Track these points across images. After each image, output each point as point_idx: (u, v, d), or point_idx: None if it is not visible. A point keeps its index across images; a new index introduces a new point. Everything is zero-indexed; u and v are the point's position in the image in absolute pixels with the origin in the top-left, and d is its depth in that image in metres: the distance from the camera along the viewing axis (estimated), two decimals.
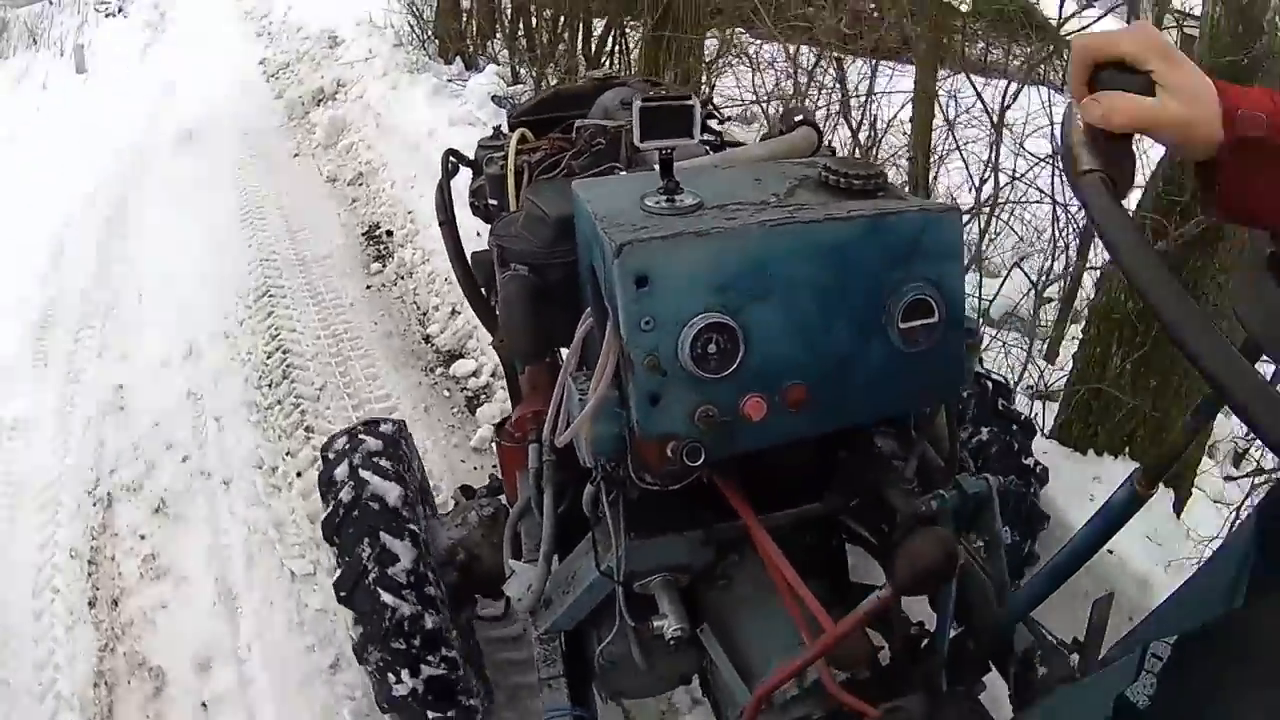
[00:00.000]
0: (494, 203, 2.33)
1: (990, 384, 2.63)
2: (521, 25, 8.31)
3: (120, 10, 17.32)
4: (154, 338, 4.58)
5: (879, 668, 1.91)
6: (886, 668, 1.94)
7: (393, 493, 2.25)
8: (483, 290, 2.34)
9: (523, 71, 7.92)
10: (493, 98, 6.90)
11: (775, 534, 1.87)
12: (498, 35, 8.74)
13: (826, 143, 2.23)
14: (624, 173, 2.07)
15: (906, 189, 4.05)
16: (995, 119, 3.81)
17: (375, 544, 2.19)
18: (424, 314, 4.89)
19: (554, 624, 1.97)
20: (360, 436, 2.40)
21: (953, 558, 1.45)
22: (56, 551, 3.29)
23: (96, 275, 5.28)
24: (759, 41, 5.95)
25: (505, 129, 2.47)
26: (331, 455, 2.39)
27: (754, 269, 1.50)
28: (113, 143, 7.54)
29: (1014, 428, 2.58)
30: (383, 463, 2.31)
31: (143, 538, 3.34)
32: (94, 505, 3.51)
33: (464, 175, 2.53)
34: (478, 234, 2.84)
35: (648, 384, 1.50)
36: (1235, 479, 3.78)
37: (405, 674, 2.18)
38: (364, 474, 2.28)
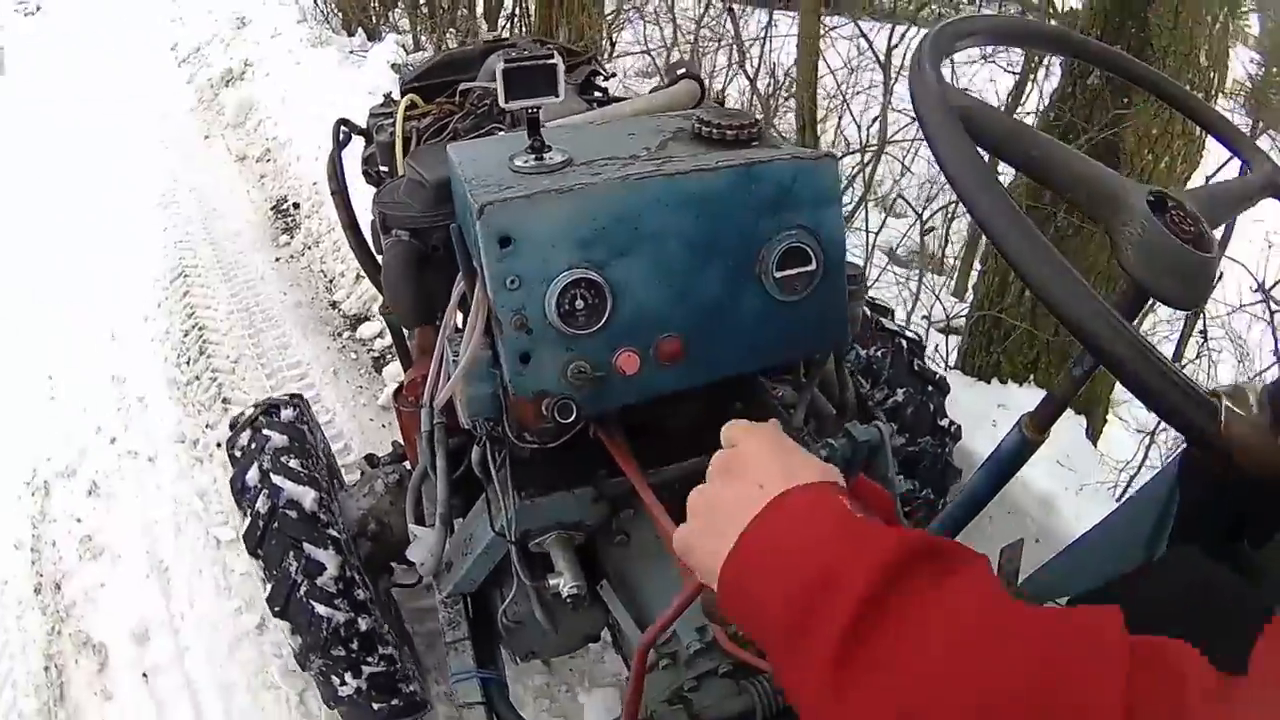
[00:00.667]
0: (384, 170, 2.32)
1: (904, 342, 2.62)
2: None
3: (38, 8, 17.05)
4: (77, 326, 4.63)
5: None
6: None
7: (308, 497, 2.22)
8: (377, 257, 2.33)
9: (423, 39, 8.03)
10: (392, 66, 6.98)
11: (667, 488, 1.87)
12: (398, 5, 8.89)
13: (716, 94, 2.21)
14: (504, 134, 2.06)
15: (791, 136, 4.09)
16: (882, 59, 3.85)
17: (300, 556, 2.17)
18: (330, 281, 5.03)
19: (455, 586, 1.97)
20: (264, 432, 2.34)
21: None
22: (2, 545, 3.37)
23: (13, 265, 5.31)
24: None
25: (397, 95, 2.45)
26: (239, 454, 2.35)
27: (618, 223, 1.49)
28: (32, 136, 7.51)
29: (929, 388, 2.58)
30: (292, 463, 2.27)
31: (79, 520, 3.42)
32: (32, 494, 3.59)
33: (359, 144, 2.50)
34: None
35: (517, 343, 1.50)
36: None
37: (348, 676, 2.20)
38: (276, 479, 2.24)
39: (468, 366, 1.59)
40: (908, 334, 2.68)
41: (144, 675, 2.82)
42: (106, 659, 2.89)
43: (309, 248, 5.34)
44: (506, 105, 1.57)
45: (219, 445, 3.55)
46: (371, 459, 2.54)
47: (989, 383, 3.42)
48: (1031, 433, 1.40)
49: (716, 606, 1.54)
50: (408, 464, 2.41)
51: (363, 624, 2.17)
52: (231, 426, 2.44)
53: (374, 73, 6.99)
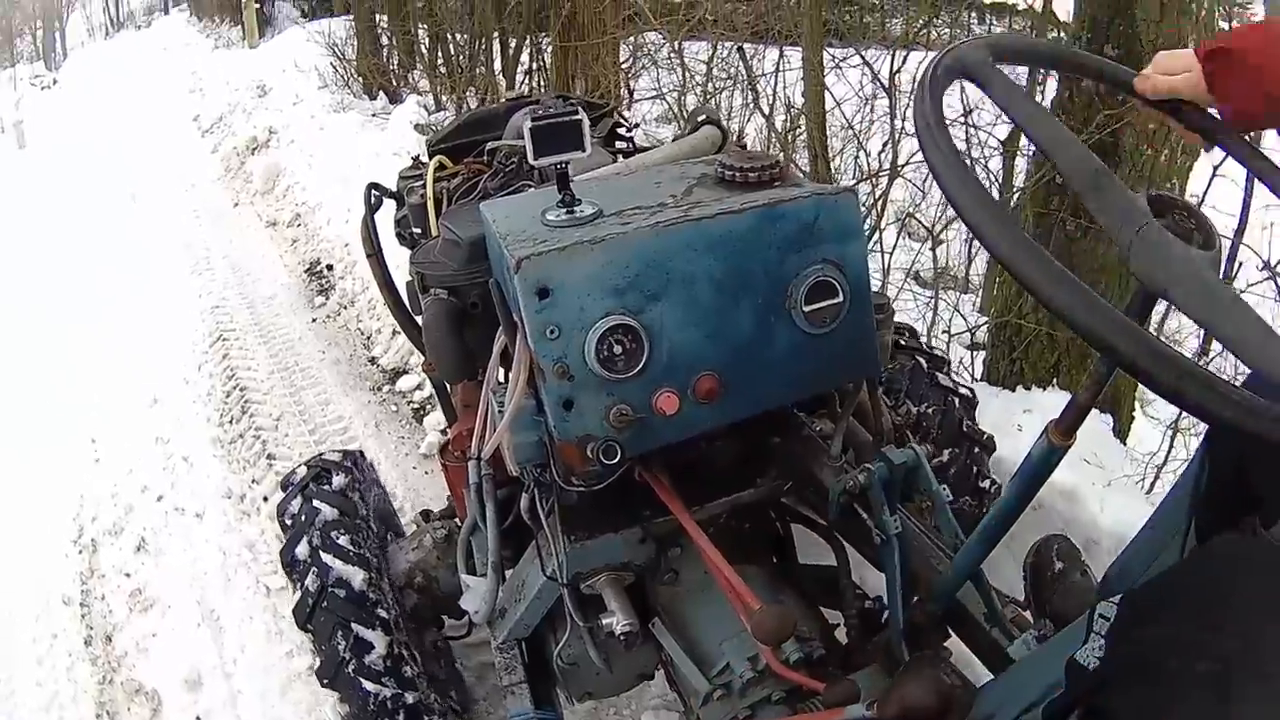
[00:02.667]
0: (417, 231, 2.38)
1: (923, 359, 2.64)
2: (439, 52, 8.58)
3: (55, 82, 17.61)
4: (118, 392, 4.75)
5: (836, 643, 1.96)
6: (846, 644, 1.98)
7: (357, 577, 2.24)
8: (415, 317, 2.38)
9: (444, 98, 8.18)
10: (415, 126, 7.16)
11: (713, 523, 1.92)
12: (417, 66, 9.11)
13: (735, 137, 2.27)
14: (534, 190, 2.12)
15: (807, 169, 4.16)
16: (886, 84, 3.90)
17: (348, 634, 2.19)
18: (368, 338, 5.10)
19: (510, 632, 2.01)
20: (315, 503, 2.35)
21: (946, 700, 1.43)
22: (50, 598, 3.44)
23: (56, 335, 5.48)
24: (664, 42, 6.26)
25: (424, 157, 2.52)
26: (289, 522, 2.37)
27: (650, 270, 1.55)
28: (62, 211, 7.77)
29: (955, 400, 2.60)
30: (342, 540, 2.28)
31: (128, 575, 3.48)
32: (79, 552, 3.66)
33: (390, 206, 2.57)
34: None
35: (559, 390, 1.55)
36: None
37: None
38: (326, 558, 2.25)
39: (514, 416, 1.64)
40: (927, 350, 2.69)
41: (198, 718, 2.88)
42: (160, 705, 2.95)
43: (344, 307, 5.45)
44: (536, 162, 1.64)
45: (265, 499, 3.65)
46: (426, 514, 2.58)
47: (1013, 390, 3.44)
48: (1058, 439, 1.42)
49: (770, 632, 1.59)
50: (457, 520, 2.44)
51: (409, 698, 2.19)
52: (283, 487, 2.48)
53: (397, 134, 7.11)
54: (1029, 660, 1.57)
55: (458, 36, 8.25)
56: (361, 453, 2.67)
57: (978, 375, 3.68)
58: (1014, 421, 3.09)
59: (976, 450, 2.54)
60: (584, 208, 1.66)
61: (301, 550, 2.29)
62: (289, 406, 4.48)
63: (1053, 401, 3.22)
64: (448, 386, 2.51)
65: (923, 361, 2.59)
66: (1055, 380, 3.43)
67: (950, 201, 1.10)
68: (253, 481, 3.91)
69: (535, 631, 2.05)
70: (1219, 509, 1.42)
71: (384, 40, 9.46)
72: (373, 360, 4.88)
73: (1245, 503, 1.37)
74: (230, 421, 4.40)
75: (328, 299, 5.61)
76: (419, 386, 4.40)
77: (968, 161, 3.96)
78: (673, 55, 5.96)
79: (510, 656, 2.07)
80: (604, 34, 6.49)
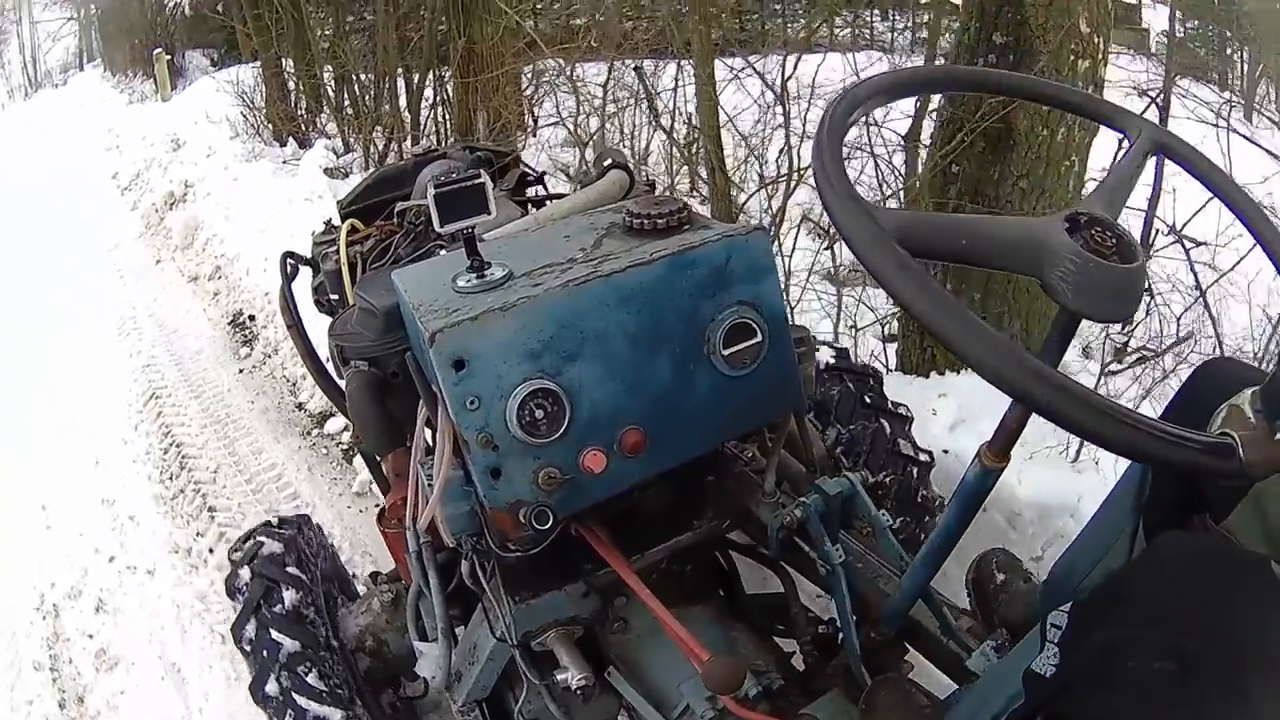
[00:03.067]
0: (334, 297, 2.36)
1: (852, 380, 2.61)
2: (345, 94, 8.65)
3: None
4: (61, 456, 4.79)
5: (794, 671, 1.96)
6: (804, 670, 1.99)
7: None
8: (339, 383, 2.36)
9: (352, 139, 8.34)
10: (324, 170, 7.37)
11: (655, 569, 1.92)
12: (324, 110, 9.19)
13: (644, 178, 2.27)
14: (444, 252, 2.10)
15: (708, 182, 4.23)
16: (777, 91, 3.95)
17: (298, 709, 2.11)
18: (293, 385, 5.18)
19: (469, 694, 1.99)
20: (273, 636, 2.19)
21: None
22: (22, 666, 3.47)
23: None
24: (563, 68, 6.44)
25: (335, 220, 2.50)
26: (248, 649, 2.24)
27: (565, 330, 1.55)
28: None
29: (882, 420, 2.56)
30: (310, 679, 2.14)
31: (90, 636, 3.53)
32: (43, 618, 3.70)
33: (307, 274, 2.54)
34: None
35: (485, 459, 1.55)
36: (1116, 373, 3.91)
37: None
38: (300, 701, 2.12)
39: (443, 489, 1.63)
40: (858, 368, 2.68)
41: None
42: None
43: (268, 356, 5.51)
44: (442, 230, 1.62)
45: (210, 551, 3.77)
46: (374, 576, 2.54)
47: (927, 376, 3.51)
48: (990, 461, 1.43)
49: (721, 683, 1.59)
50: (403, 584, 2.42)
51: None
52: (230, 593, 2.38)
53: (308, 179, 7.26)
54: (989, 674, 1.57)
55: (362, 77, 8.29)
56: (306, 518, 2.64)
57: (892, 366, 3.75)
58: (929, 406, 3.16)
59: (915, 470, 2.53)
60: (494, 270, 1.65)
61: (271, 689, 2.17)
62: (224, 458, 4.57)
63: (965, 384, 3.32)
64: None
65: (851, 385, 2.57)
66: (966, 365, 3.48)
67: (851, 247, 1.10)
68: (197, 534, 3.99)
69: (494, 690, 2.03)
70: (1166, 507, 1.43)
71: (291, 85, 9.52)
72: (300, 406, 4.93)
73: (1193, 501, 1.39)
74: (170, 478, 4.48)
75: (252, 349, 5.71)
76: (346, 428, 4.45)
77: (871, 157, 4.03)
78: (569, 80, 6.05)
79: (473, 719, 2.05)
80: (501, 65, 6.65)
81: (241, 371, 5.49)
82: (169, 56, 14.76)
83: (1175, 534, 1.26)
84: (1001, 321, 3.44)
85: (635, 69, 4.95)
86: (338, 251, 2.29)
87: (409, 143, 7.51)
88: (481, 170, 1.65)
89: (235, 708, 2.98)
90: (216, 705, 3.07)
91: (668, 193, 1.88)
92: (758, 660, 1.87)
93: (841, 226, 1.10)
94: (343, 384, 2.10)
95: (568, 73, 5.55)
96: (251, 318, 5.98)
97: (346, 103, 8.66)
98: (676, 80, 4.70)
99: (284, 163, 8.35)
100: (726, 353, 1.63)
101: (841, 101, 1.28)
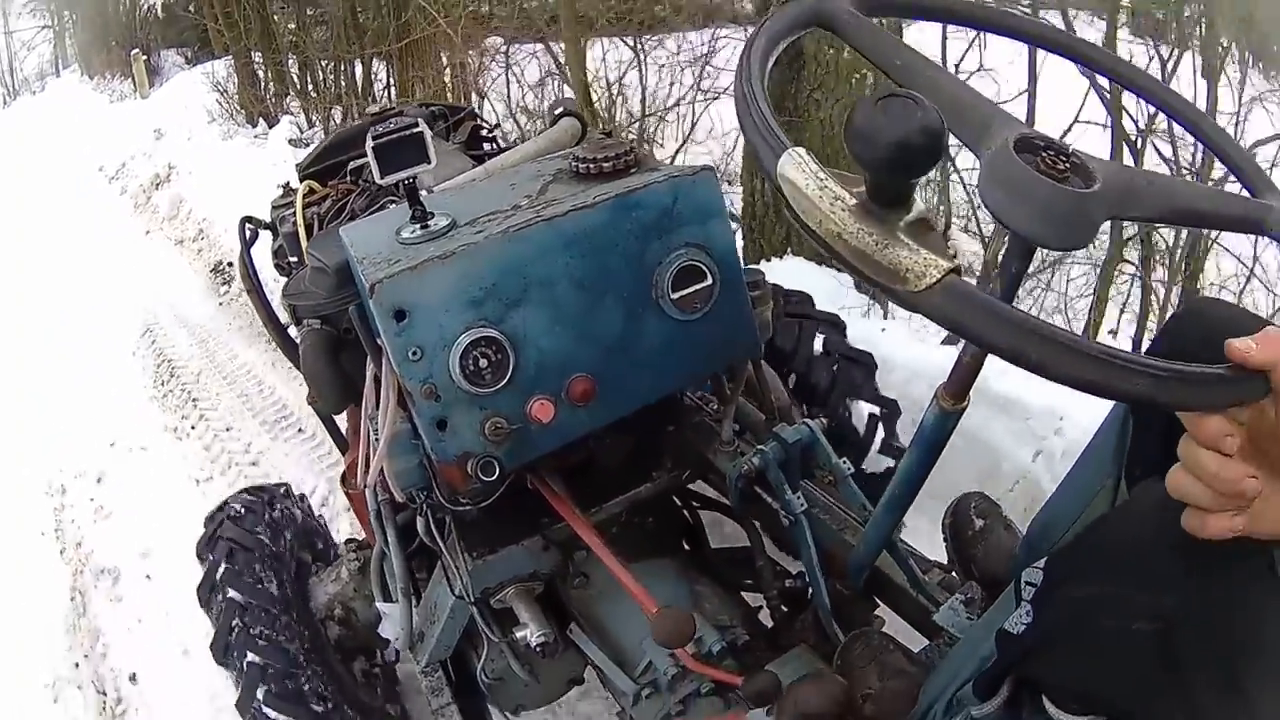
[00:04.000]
0: (294, 260, 2.33)
1: (814, 324, 2.56)
2: (308, 79, 9.61)
3: None
4: (72, 377, 5.81)
5: (760, 626, 1.94)
6: (771, 625, 1.97)
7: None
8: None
9: (314, 116, 9.21)
10: (290, 141, 8.36)
11: (614, 522, 1.90)
12: (289, 93, 10.12)
13: (602, 125, 2.24)
14: (395, 206, 2.07)
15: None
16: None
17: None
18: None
19: (431, 654, 1.98)
20: (230, 595, 2.21)
21: (841, 705, 1.44)
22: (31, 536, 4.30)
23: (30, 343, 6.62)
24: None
25: (294, 182, 2.47)
26: (209, 609, 2.28)
27: (507, 277, 1.52)
28: None
29: (846, 364, 2.53)
30: (263, 640, 2.15)
31: (91, 500, 4.37)
32: (50, 495, 4.55)
33: (267, 238, 2.51)
34: None
35: (430, 411, 1.52)
36: None
37: None
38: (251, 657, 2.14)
39: (389, 443, 1.61)
40: (819, 314, 2.64)
41: (147, 576, 3.71)
42: (119, 574, 3.77)
43: (242, 292, 6.08)
44: (382, 180, 1.59)
45: (192, 428, 4.83)
46: (349, 543, 2.53)
47: (758, 263, 3.86)
48: (948, 404, 1.40)
49: (669, 635, 1.57)
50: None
51: None
52: (199, 555, 2.39)
53: (276, 149, 8.29)
54: (967, 635, 1.55)
55: (322, 63, 9.27)
56: (287, 487, 2.63)
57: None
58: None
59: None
60: (438, 220, 1.62)
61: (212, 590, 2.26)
62: (206, 365, 5.58)
63: (788, 268, 3.71)
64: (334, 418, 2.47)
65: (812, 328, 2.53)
66: (789, 250, 3.87)
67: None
68: (183, 418, 4.98)
69: (458, 650, 2.02)
70: (1147, 459, 1.39)
71: (260, 74, 10.41)
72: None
73: (1175, 452, 1.34)
74: (161, 383, 5.47)
75: (230, 287, 6.70)
76: None
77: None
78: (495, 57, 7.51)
79: (435, 679, 2.04)
80: (432, 50, 7.83)
81: (220, 304, 6.51)
82: (145, 56, 15.24)
83: (1155, 484, 1.20)
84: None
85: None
86: (295, 213, 2.26)
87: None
88: (420, 119, 1.61)
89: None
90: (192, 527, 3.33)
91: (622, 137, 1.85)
92: (722, 615, 1.85)
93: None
94: None
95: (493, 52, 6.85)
96: (230, 264, 6.87)
97: (310, 86, 9.56)
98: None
99: (255, 138, 9.13)
100: (675, 296, 1.61)
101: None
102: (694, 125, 6.82)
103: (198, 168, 9.02)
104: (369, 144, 1.57)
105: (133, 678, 3.31)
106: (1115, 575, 0.94)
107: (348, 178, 2.35)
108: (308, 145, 7.76)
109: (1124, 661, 0.88)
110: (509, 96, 7.57)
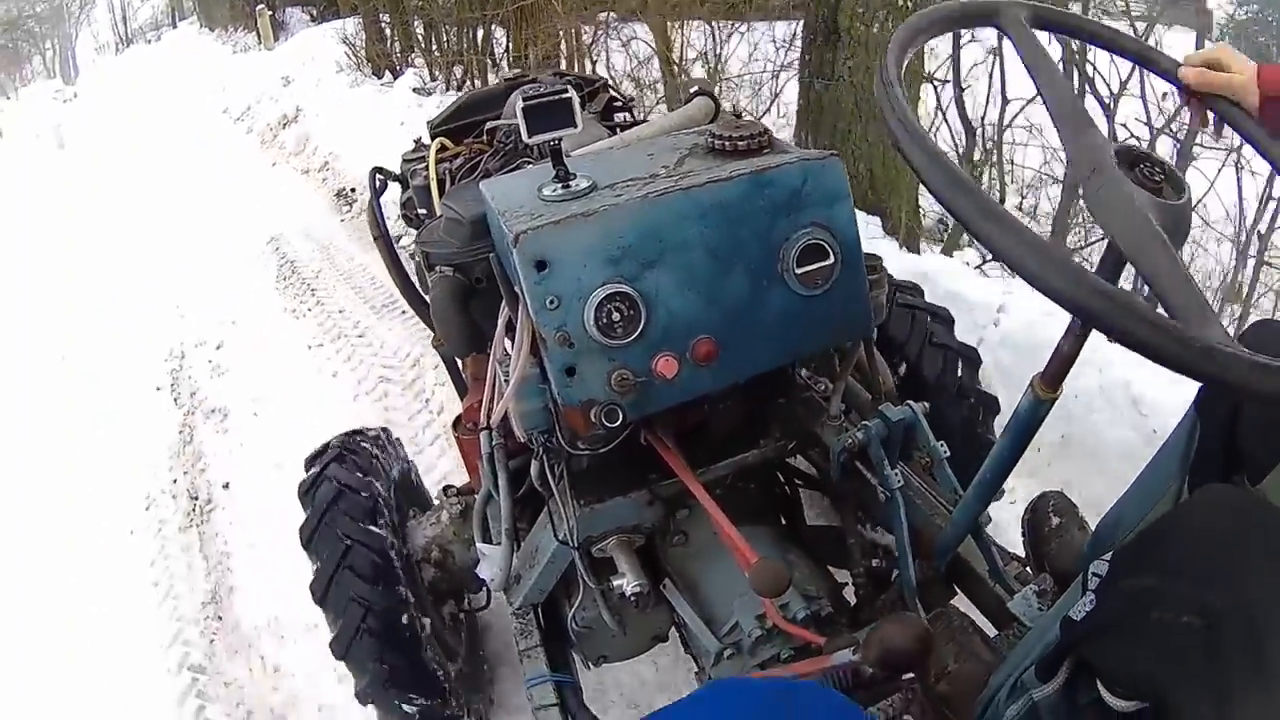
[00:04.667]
0: (423, 212, 2.42)
1: (928, 317, 2.58)
2: (433, 39, 10.55)
3: (75, 95, 20.53)
4: (217, 280, 6.62)
5: (844, 602, 2.00)
6: (855, 602, 2.03)
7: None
8: (423, 295, 2.42)
9: (437, 72, 10.19)
10: (414, 90, 9.26)
11: (719, 485, 1.97)
12: (414, 50, 11.03)
13: (733, 107, 2.30)
14: (532, 166, 2.15)
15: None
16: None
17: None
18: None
19: (526, 597, 2.06)
20: (338, 533, 2.24)
21: (924, 643, 1.48)
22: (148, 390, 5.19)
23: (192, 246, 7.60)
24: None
25: (425, 139, 2.56)
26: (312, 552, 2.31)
27: (644, 239, 1.59)
28: (137, 189, 9.90)
29: (956, 360, 2.53)
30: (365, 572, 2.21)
31: (209, 361, 5.28)
32: (166, 361, 5.48)
33: (395, 190, 2.60)
34: None
35: (561, 358, 1.60)
36: None
37: None
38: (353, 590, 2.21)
39: (519, 384, 1.69)
40: (933, 308, 2.66)
41: (254, 414, 4.53)
42: (227, 415, 4.58)
43: (363, 211, 6.92)
44: (530, 140, 1.68)
45: (309, 310, 5.71)
46: (447, 489, 2.61)
47: None
48: (1043, 391, 1.45)
49: (765, 583, 1.64)
50: (477, 496, 2.46)
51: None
52: (301, 499, 2.40)
53: (401, 97, 9.16)
54: (1036, 625, 1.60)
55: (445, 26, 10.15)
56: (387, 431, 2.72)
57: None
58: None
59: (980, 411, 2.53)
60: (579, 182, 1.70)
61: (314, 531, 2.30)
62: (325, 265, 6.48)
63: None
64: (458, 362, 2.55)
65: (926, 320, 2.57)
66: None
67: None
68: (300, 302, 5.86)
69: (550, 597, 2.10)
70: (1210, 466, 1.44)
71: (386, 32, 11.38)
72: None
73: (1235, 460, 1.40)
74: (284, 279, 6.36)
75: (351, 208, 7.54)
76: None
77: None
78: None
79: (526, 622, 2.11)
80: (551, 21, 8.48)
81: (342, 220, 7.44)
82: (270, 12, 16.20)
83: (1213, 487, 1.24)
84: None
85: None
86: (427, 167, 2.35)
87: (479, 81, 9.31)
88: (569, 86, 1.69)
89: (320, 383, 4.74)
90: (302, 382, 4.61)
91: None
92: (810, 586, 1.90)
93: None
94: (427, 291, 2.17)
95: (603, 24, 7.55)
96: (352, 190, 7.82)
97: (433, 45, 10.47)
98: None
99: (381, 87, 10.03)
100: (800, 271, 1.67)
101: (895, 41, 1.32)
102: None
103: (325, 110, 10.02)
104: (519, 104, 1.66)
105: (225, 485, 3.92)
106: (1168, 571, 0.98)
107: (483, 137, 2.43)
108: (430, 95, 9.15)
109: (1170, 652, 0.92)
110: (609, 65, 8.47)
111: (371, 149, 7.67)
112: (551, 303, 1.58)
